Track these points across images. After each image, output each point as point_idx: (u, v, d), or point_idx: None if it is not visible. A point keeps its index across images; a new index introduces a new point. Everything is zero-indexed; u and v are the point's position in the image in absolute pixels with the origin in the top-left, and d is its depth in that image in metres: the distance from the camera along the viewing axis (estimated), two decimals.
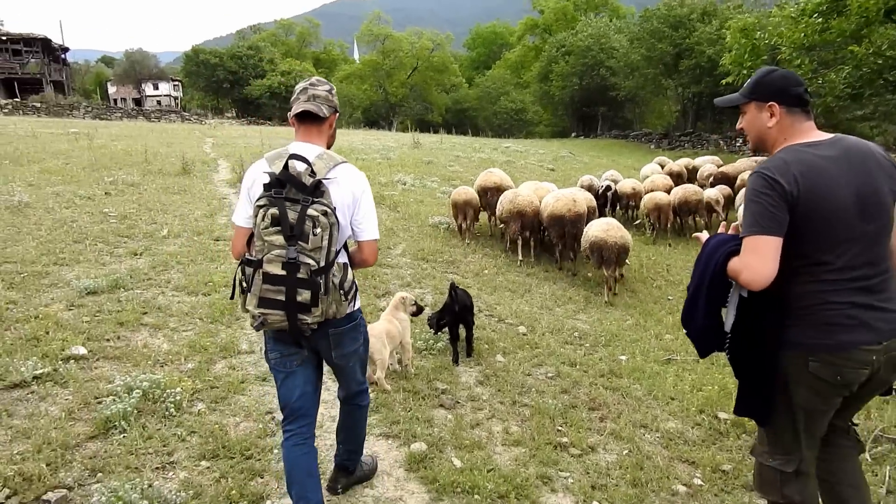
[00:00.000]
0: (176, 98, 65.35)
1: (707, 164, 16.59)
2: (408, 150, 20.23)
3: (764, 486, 2.59)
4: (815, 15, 15.15)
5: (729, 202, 12.93)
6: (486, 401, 4.47)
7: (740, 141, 29.39)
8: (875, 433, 4.49)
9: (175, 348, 4.60)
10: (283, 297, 2.39)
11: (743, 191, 8.82)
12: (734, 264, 2.34)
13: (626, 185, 13.22)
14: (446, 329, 5.28)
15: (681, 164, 16.96)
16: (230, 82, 53.70)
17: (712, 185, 13.85)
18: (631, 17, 50.82)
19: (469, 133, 40.75)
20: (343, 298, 2.53)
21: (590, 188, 12.36)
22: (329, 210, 2.42)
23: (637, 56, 35.10)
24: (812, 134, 2.40)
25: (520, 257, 9.06)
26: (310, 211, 2.37)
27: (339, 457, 3.21)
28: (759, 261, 2.24)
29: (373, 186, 10.73)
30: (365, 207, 2.65)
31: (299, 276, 2.38)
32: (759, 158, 18.37)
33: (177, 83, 65.24)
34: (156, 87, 65.57)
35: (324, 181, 2.47)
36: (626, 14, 55.92)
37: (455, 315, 5.10)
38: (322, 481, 2.88)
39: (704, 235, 2.67)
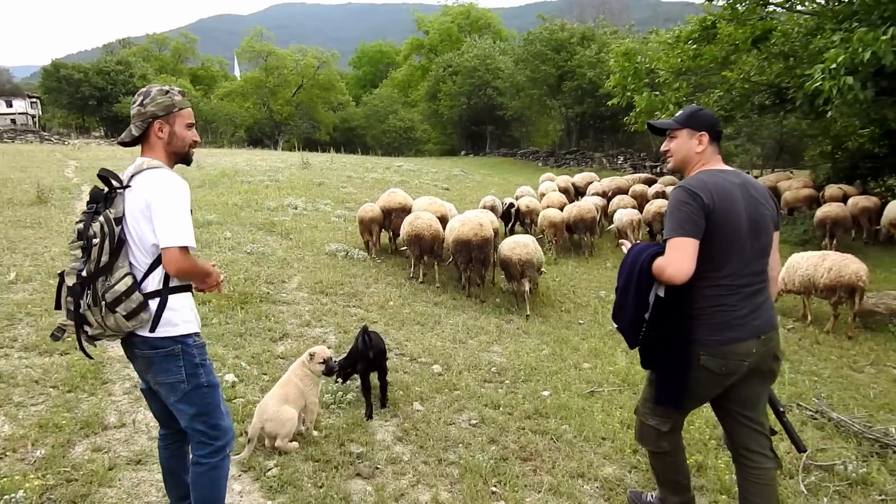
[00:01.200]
0: (34, 116, 59.51)
1: (595, 181, 17.14)
2: (297, 171, 19.30)
3: (643, 438, 3.17)
4: (690, 42, 16.00)
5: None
6: (408, 462, 3.93)
7: (621, 159, 30.88)
8: (803, 461, 4.40)
9: (20, 431, 3.70)
10: (73, 308, 2.47)
11: (619, 199, 9.31)
12: (660, 262, 2.70)
13: (523, 202, 13.34)
14: (354, 376, 4.72)
15: (567, 180, 17.71)
16: (97, 99, 49.71)
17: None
18: (513, 40, 52.53)
19: (358, 152, 40.08)
20: (109, 311, 2.43)
21: (493, 209, 12.19)
22: (110, 218, 2.45)
23: (522, 77, 36.11)
24: (721, 163, 2.93)
25: (420, 279, 8.98)
26: (99, 220, 2.44)
27: None
28: (682, 257, 2.63)
29: (261, 212, 9.90)
30: (159, 212, 2.47)
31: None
32: (641, 176, 19.20)
33: (34, 100, 59.46)
34: (9, 105, 59.30)
35: (118, 190, 2.49)
36: (508, 37, 57.78)
37: (369, 362, 4.53)
38: None
39: (628, 244, 3.11)
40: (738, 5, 14.76)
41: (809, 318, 8.22)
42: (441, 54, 52.65)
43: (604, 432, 4.60)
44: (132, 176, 2.52)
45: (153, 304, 2.51)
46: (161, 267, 2.51)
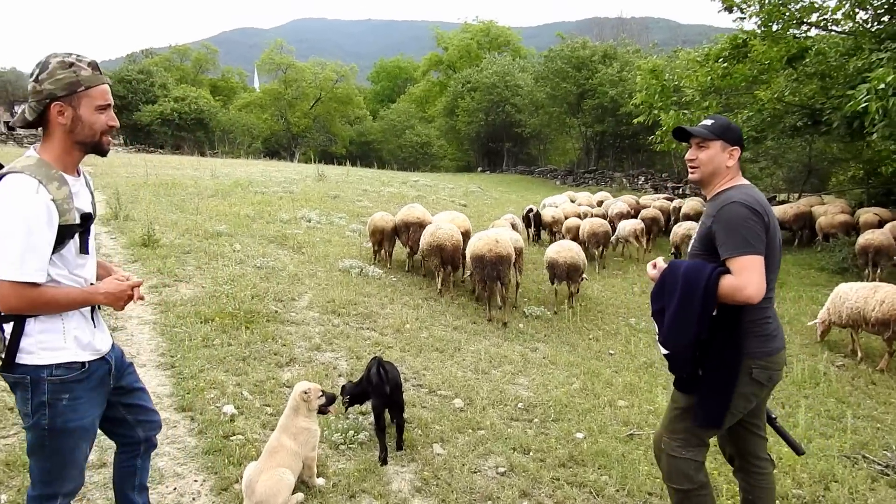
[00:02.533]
0: None
1: (619, 201, 16.64)
2: (312, 183, 18.93)
3: (677, 477, 2.86)
4: (720, 60, 15.51)
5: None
6: None
7: (642, 179, 30.28)
8: None
9: None
10: None
11: (629, 220, 12.13)
12: (732, 282, 2.55)
13: (548, 213, 14.80)
14: (363, 410, 4.19)
15: (589, 198, 18.11)
16: (118, 107, 48.81)
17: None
18: (531, 58, 52.29)
19: (374, 165, 39.81)
20: None
21: (513, 226, 11.79)
22: None
23: (542, 94, 35.73)
24: (743, 178, 2.84)
25: (438, 286, 8.99)
26: None
27: None
28: (758, 277, 2.53)
29: (273, 224, 9.37)
30: None
31: None
32: (658, 196, 18.61)
33: None
34: None
35: None
36: (527, 55, 57.57)
37: (385, 398, 4.00)
38: None
39: (660, 262, 2.89)
40: (771, 24, 14.28)
41: (860, 354, 7.57)
42: (460, 71, 52.47)
43: (650, 486, 4.03)
44: None
45: (7, 329, 2.12)
46: None
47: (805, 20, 14.41)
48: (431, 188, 23.53)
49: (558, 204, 16.18)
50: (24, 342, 2.13)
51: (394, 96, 68.14)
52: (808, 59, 14.20)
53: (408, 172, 35.46)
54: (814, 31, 15.23)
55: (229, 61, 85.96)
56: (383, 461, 3.90)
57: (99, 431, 2.49)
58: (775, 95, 14.14)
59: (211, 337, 5.69)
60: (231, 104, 58.30)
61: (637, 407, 5.50)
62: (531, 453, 4.34)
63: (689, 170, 2.88)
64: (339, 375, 5.31)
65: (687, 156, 2.86)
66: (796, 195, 22.72)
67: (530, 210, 14.86)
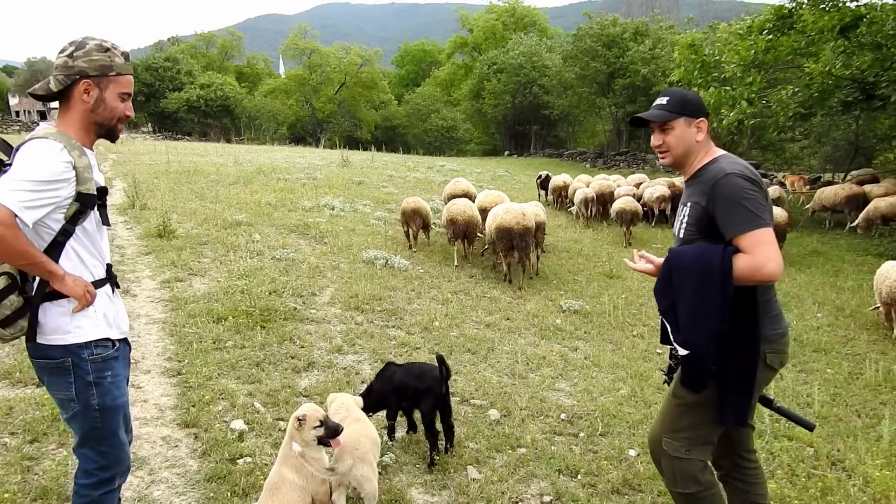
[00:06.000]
0: None
1: (658, 185, 15.88)
2: (336, 169, 18.49)
3: (683, 480, 2.60)
4: (764, 32, 14.58)
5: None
6: None
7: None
8: None
9: None
10: None
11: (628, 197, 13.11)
12: (747, 262, 2.31)
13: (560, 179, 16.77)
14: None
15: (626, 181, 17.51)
16: (145, 95, 49.97)
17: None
18: (558, 38, 51.06)
19: (400, 150, 39.27)
20: None
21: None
22: None
23: (571, 74, 34.71)
24: (718, 149, 2.61)
25: (455, 263, 9.36)
26: None
27: None
28: (775, 250, 2.31)
29: (295, 212, 8.80)
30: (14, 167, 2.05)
31: None
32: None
33: None
34: None
35: (4, 168, 2.10)
36: (554, 35, 56.25)
37: (439, 399, 3.72)
38: None
39: (650, 257, 2.63)
40: None
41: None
42: (485, 52, 51.47)
43: None
44: (17, 148, 2.09)
45: (43, 308, 2.12)
46: None
47: None
48: (458, 173, 22.86)
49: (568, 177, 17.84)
50: (58, 321, 2.12)
51: (419, 80, 67.42)
52: (861, 29, 13.21)
53: (434, 157, 34.81)
54: None
55: (254, 48, 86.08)
56: (432, 463, 3.69)
57: None
58: (826, 69, 13.17)
59: (223, 338, 5.25)
60: (256, 90, 58.22)
61: None
62: (579, 476, 3.80)
63: (659, 156, 2.63)
64: (362, 382, 4.82)
65: (652, 143, 2.64)
66: (842, 175, 21.61)
67: (539, 176, 17.41)
